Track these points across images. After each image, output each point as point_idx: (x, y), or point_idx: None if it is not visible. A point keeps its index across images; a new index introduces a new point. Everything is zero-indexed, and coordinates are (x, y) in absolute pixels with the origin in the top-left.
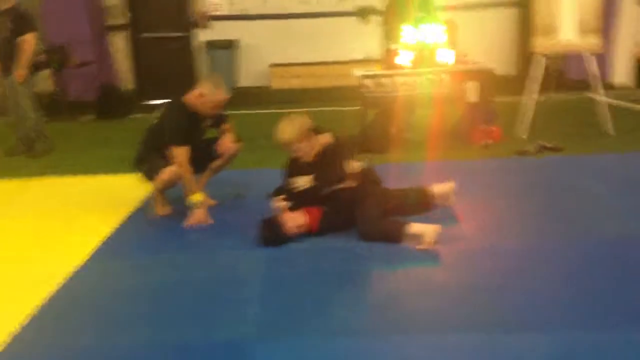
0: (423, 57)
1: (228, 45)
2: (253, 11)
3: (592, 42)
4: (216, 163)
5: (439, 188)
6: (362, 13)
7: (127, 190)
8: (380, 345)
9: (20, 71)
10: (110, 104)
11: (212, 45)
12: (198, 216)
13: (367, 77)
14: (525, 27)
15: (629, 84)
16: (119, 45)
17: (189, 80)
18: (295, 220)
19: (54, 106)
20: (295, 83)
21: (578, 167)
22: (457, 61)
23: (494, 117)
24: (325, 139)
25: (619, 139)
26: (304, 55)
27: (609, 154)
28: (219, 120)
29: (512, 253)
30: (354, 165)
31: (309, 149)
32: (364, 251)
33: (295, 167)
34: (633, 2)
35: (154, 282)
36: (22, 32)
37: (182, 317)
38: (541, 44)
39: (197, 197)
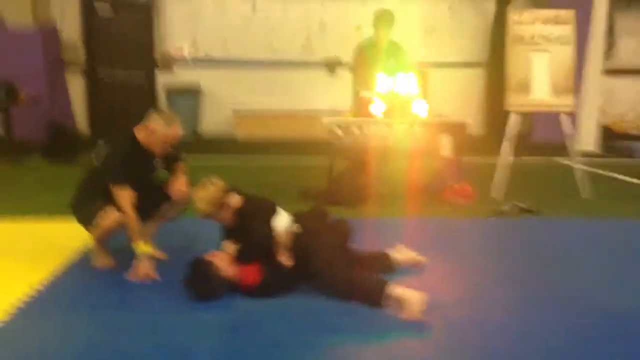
0: (396, 107)
1: (191, 91)
2: (217, 55)
3: (567, 102)
4: (167, 209)
5: (406, 255)
6: (330, 65)
7: (68, 238)
8: None
9: None
10: (61, 144)
11: (174, 91)
12: (142, 269)
13: (336, 124)
14: (492, 87)
15: (594, 151)
16: (75, 83)
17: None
18: (225, 260)
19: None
20: (260, 132)
21: (556, 230)
22: (430, 114)
23: (462, 175)
24: (234, 201)
25: (595, 204)
26: (269, 104)
27: (588, 218)
28: (171, 159)
29: (497, 326)
30: (279, 232)
31: (226, 214)
32: (334, 317)
33: (225, 232)
34: (598, 70)
35: (82, 345)
36: None
37: None
38: (515, 102)
39: (142, 248)
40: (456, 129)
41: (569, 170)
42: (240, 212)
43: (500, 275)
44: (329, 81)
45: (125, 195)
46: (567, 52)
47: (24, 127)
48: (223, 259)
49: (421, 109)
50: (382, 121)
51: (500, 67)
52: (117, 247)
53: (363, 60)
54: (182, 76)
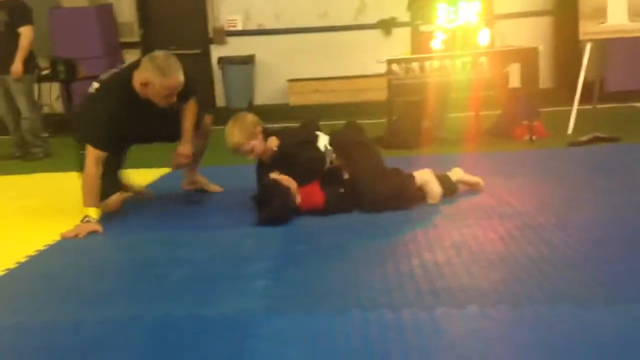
0: (458, 39)
1: (244, 61)
2: (269, 26)
3: None
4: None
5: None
6: (384, 25)
7: None
8: (416, 317)
9: (16, 66)
10: None
11: (227, 61)
12: (87, 227)
13: (394, 62)
14: (560, 37)
15: None
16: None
17: (205, 98)
18: (292, 182)
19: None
20: (314, 99)
21: None
22: (497, 44)
23: (538, 112)
24: (273, 142)
25: None
26: (323, 70)
27: None
28: (182, 98)
29: (582, 226)
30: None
31: (263, 148)
32: (388, 222)
33: (264, 169)
34: None
35: (142, 258)
36: (18, 25)
37: (172, 292)
38: (590, 30)
39: (93, 213)
40: (526, 57)
41: None
42: (281, 148)
43: (582, 191)
44: (385, 43)
45: (94, 157)
46: None
47: None
48: (290, 181)
49: (486, 38)
50: (443, 55)
51: (569, 14)
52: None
53: None
54: (236, 48)
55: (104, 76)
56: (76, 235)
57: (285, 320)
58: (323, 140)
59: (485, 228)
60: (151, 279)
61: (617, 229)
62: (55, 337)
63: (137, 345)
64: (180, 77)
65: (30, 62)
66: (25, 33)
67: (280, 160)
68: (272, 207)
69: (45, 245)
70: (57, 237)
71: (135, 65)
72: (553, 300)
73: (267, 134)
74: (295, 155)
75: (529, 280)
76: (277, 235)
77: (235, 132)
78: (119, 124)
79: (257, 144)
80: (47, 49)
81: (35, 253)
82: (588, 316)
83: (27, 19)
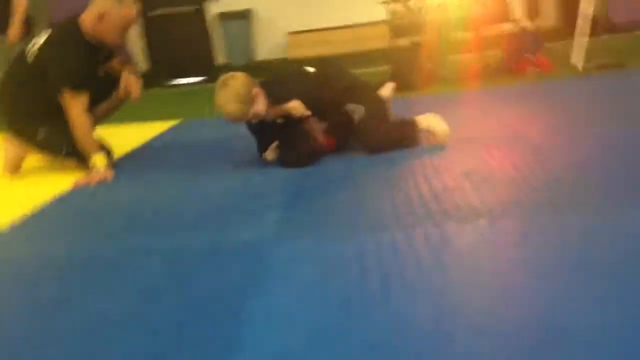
0: None
1: (243, 16)
2: None
3: None
4: (104, 106)
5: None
6: None
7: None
8: (427, 233)
9: (14, 29)
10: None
11: (225, 16)
12: (96, 177)
13: (395, 1)
14: None
15: None
16: None
17: (203, 54)
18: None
19: None
20: (314, 51)
21: None
22: None
23: (541, 44)
24: (299, 108)
25: None
26: (323, 21)
27: None
28: (116, 53)
29: (591, 148)
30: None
31: (264, 108)
32: (397, 155)
33: (266, 131)
34: None
35: (155, 197)
36: None
37: (187, 225)
38: None
39: (99, 160)
40: None
41: None
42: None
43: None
44: None
45: (79, 104)
46: None
47: None
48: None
49: None
50: None
51: None
52: None
53: None
54: (232, 2)
55: (42, 36)
56: (88, 184)
57: (298, 244)
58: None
59: (493, 154)
60: (166, 215)
61: (624, 145)
62: (72, 266)
63: (155, 270)
64: (136, 9)
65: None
66: None
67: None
68: (299, 153)
69: (58, 194)
70: (70, 187)
71: (75, 16)
72: (561, 212)
73: (270, 90)
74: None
75: (537, 196)
76: (285, 171)
77: (231, 102)
78: (82, 71)
79: (259, 107)
80: None
81: (50, 200)
82: (593, 225)
83: None
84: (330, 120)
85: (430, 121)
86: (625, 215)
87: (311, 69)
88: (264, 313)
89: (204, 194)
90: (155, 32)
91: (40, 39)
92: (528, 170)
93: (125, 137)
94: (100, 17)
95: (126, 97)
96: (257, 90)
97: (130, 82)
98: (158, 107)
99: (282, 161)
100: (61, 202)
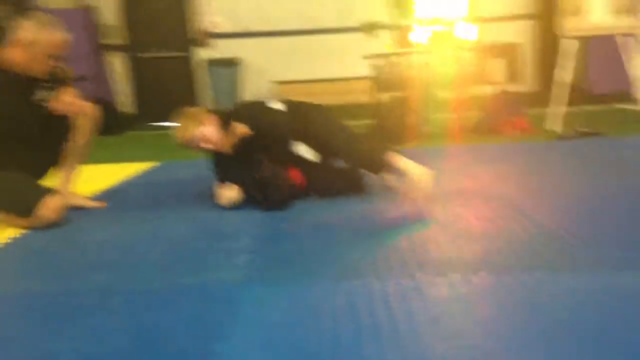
0: (439, 33)
1: (231, 64)
2: (255, 28)
3: (629, 22)
4: (72, 143)
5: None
6: (368, 28)
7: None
8: (400, 284)
9: None
10: (108, 120)
11: (214, 63)
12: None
13: (379, 57)
14: (542, 41)
15: None
16: (117, 66)
17: (190, 99)
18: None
19: None
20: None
21: (628, 148)
22: (480, 38)
23: (521, 107)
24: (242, 129)
25: None
26: (309, 73)
27: None
28: (56, 82)
29: (568, 207)
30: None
31: (220, 135)
32: (374, 205)
33: (225, 163)
34: None
35: (122, 234)
36: None
37: (154, 264)
38: (571, 26)
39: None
40: (508, 52)
41: (633, 114)
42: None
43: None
44: (368, 45)
45: None
46: None
47: None
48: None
49: (468, 33)
50: (427, 50)
51: (552, 17)
52: None
53: None
54: (221, 50)
55: None
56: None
57: (269, 288)
58: (278, 104)
59: (470, 208)
60: (132, 256)
61: (602, 209)
62: (30, 307)
63: (114, 310)
64: (65, 34)
65: None
66: None
67: (249, 147)
68: (271, 201)
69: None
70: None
71: None
72: (533, 268)
73: (224, 120)
74: (266, 137)
75: (511, 252)
76: (255, 214)
77: (180, 124)
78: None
79: (211, 130)
80: None
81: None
82: (565, 282)
83: None
84: (282, 159)
85: (413, 168)
86: (597, 273)
87: (279, 106)
88: (228, 358)
89: (174, 235)
90: (144, 73)
91: None
92: (504, 225)
93: (101, 177)
94: (29, 45)
95: (87, 123)
96: (209, 115)
97: (65, 96)
98: (140, 148)
99: (265, 204)
100: (18, 243)
